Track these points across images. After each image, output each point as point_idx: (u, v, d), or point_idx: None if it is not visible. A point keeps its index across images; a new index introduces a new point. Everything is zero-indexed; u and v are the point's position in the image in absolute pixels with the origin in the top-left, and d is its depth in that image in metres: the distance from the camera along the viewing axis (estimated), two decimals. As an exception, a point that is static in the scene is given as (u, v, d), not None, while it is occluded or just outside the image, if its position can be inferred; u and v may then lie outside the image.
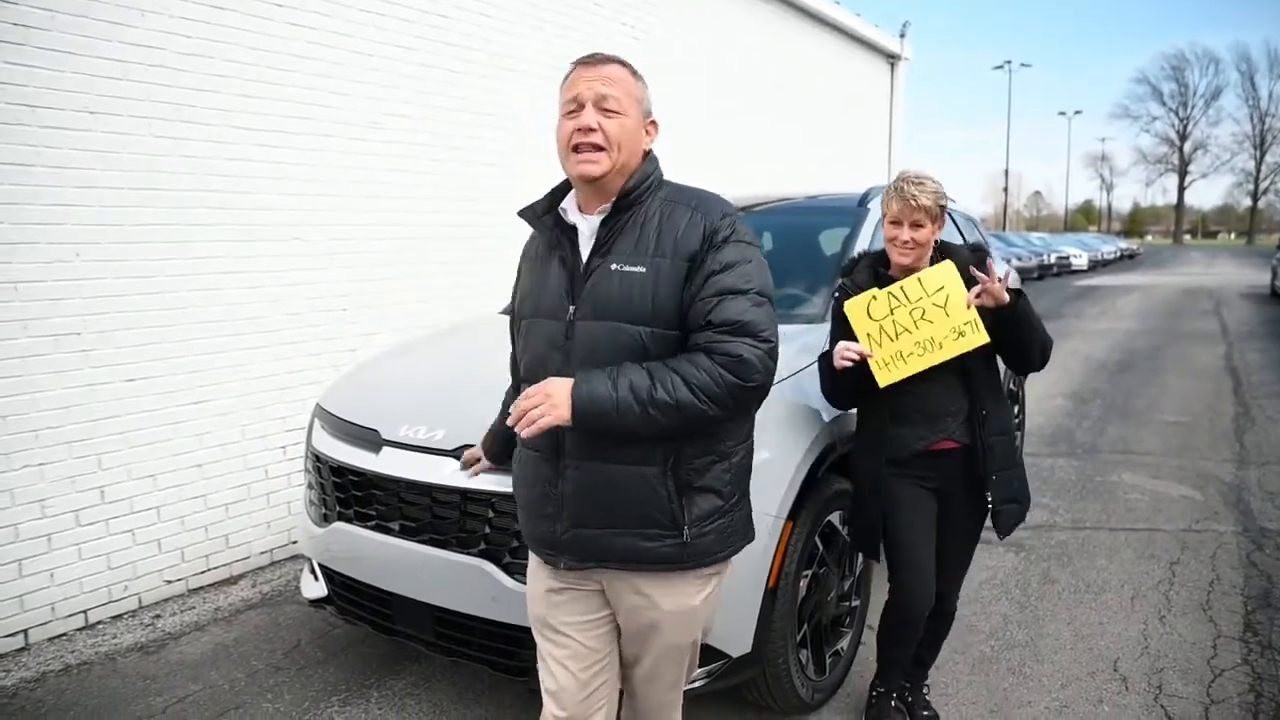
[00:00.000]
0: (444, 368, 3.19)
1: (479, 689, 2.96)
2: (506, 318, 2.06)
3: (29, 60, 3.17)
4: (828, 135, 9.74)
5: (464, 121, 5.04)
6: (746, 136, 8.02)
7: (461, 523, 2.43)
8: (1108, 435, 6.37)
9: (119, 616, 3.60)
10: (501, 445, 2.07)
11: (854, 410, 2.57)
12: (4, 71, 3.11)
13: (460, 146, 5.03)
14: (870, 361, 2.32)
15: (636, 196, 1.67)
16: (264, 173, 3.99)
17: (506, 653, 2.41)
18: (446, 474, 2.42)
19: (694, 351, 1.59)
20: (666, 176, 1.76)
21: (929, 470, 2.44)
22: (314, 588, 2.94)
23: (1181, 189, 79.65)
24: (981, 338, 2.30)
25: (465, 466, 2.19)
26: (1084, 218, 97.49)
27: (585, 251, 1.70)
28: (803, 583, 2.60)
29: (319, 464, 2.86)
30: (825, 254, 3.65)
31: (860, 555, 2.90)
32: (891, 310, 2.32)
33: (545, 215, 1.76)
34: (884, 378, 2.33)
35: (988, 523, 2.54)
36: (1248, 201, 79.89)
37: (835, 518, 2.75)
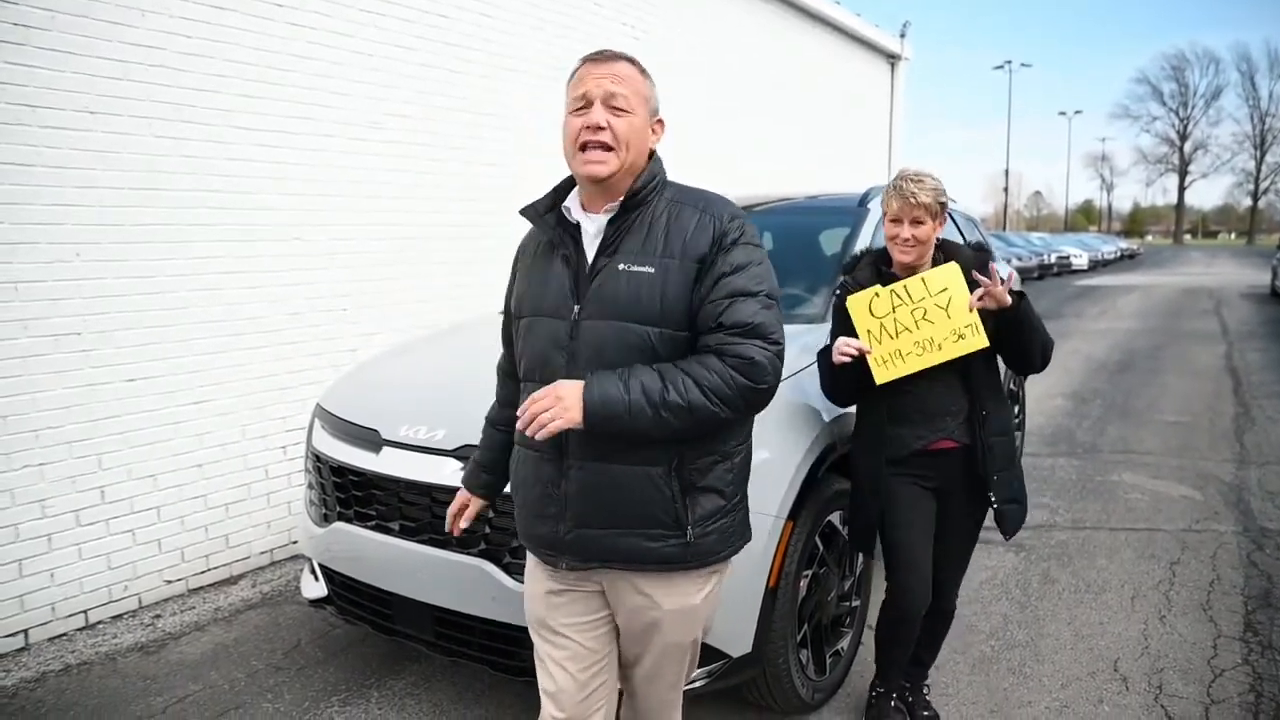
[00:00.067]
0: (444, 368, 3.19)
1: (479, 689, 2.96)
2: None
3: (29, 60, 3.17)
4: (828, 135, 9.74)
5: (464, 121, 5.04)
6: (747, 136, 8.02)
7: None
8: (1108, 435, 6.37)
9: (119, 616, 3.60)
10: (490, 476, 1.97)
11: (854, 409, 2.57)
12: (4, 71, 3.11)
13: (461, 146, 5.03)
14: (868, 358, 2.32)
15: (644, 196, 1.66)
16: (264, 173, 3.99)
17: (506, 653, 2.41)
18: (446, 474, 2.42)
19: (704, 353, 1.58)
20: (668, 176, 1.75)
21: (928, 470, 2.44)
22: (314, 588, 2.95)
23: (1182, 189, 79.70)
24: (981, 341, 2.29)
25: (456, 519, 2.00)
26: (1084, 218, 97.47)
27: (591, 250, 1.68)
28: (803, 583, 2.59)
29: (319, 464, 2.86)
30: (825, 254, 3.65)
31: (860, 555, 2.91)
32: (893, 308, 2.32)
33: (548, 214, 1.74)
34: (881, 375, 2.33)
35: (988, 523, 2.54)
36: (1248, 201, 79.97)
37: (835, 518, 2.74)
